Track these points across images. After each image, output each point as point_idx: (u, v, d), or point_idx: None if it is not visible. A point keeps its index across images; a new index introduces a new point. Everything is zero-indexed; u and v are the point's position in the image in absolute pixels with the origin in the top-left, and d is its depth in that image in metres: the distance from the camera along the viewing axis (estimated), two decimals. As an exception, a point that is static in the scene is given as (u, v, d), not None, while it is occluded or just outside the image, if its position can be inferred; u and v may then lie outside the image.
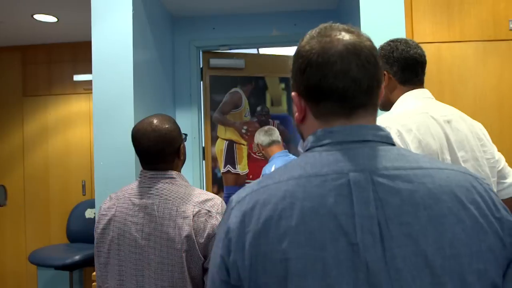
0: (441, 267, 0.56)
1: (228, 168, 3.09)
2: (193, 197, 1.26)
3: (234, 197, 0.69)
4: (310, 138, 0.69)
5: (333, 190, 0.60)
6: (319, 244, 0.58)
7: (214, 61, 3.04)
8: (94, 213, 3.42)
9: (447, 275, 0.56)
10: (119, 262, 1.23)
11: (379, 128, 0.68)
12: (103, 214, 1.29)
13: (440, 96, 2.15)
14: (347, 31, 0.69)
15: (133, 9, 2.12)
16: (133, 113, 2.08)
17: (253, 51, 3.27)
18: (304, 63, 0.68)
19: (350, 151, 0.64)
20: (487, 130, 2.16)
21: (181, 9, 2.88)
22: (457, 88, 2.20)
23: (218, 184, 3.08)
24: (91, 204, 3.48)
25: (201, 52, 3.07)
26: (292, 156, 2.64)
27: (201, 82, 3.06)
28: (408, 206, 0.59)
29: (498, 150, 2.25)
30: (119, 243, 1.23)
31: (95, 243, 1.29)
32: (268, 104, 3.14)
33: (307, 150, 0.69)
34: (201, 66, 3.07)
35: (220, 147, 3.09)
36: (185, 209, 1.22)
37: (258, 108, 3.12)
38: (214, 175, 3.08)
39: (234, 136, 3.08)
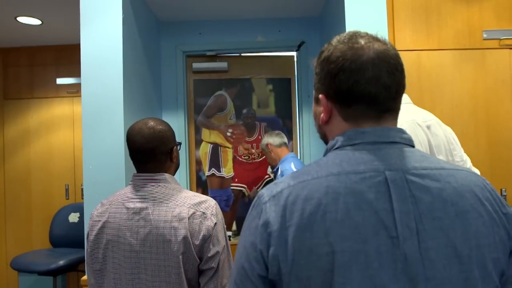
0: (467, 257, 0.62)
1: (213, 171, 3.09)
2: (187, 199, 1.25)
3: (266, 192, 0.70)
4: (339, 138, 0.72)
5: (373, 187, 0.64)
6: (363, 237, 0.61)
7: (196, 65, 3.04)
8: (78, 217, 3.37)
9: (473, 264, 0.62)
10: (113, 267, 1.22)
11: (404, 132, 0.73)
12: (96, 221, 1.27)
13: (420, 101, 2.26)
14: (375, 39, 0.72)
15: (123, 13, 2.12)
16: (123, 117, 2.07)
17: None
18: (336, 68, 0.70)
19: (381, 151, 0.69)
20: (463, 133, 2.28)
21: (168, 14, 2.89)
22: (436, 93, 2.30)
23: (202, 187, 3.09)
24: (75, 208, 3.44)
25: (185, 57, 3.08)
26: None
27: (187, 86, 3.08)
28: (439, 203, 0.64)
29: (473, 152, 2.36)
30: (113, 250, 1.22)
31: (88, 250, 1.27)
32: (254, 106, 3.11)
33: (336, 149, 0.72)
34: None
35: (205, 150, 3.10)
36: (180, 211, 1.21)
37: (244, 111, 3.11)
38: (198, 178, 3.09)
39: (219, 139, 3.09)
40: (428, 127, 1.44)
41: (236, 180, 3.10)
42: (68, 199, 3.57)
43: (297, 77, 3.10)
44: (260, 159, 3.09)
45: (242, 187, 3.10)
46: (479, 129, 2.30)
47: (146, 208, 1.22)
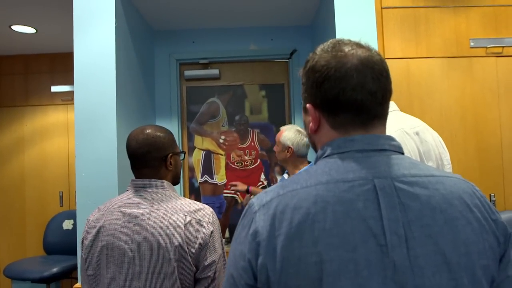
0: (457, 264, 0.62)
1: (206, 178, 3.07)
2: (184, 206, 1.24)
3: (256, 201, 0.70)
4: (328, 146, 0.72)
5: (361, 195, 0.64)
6: (351, 246, 0.61)
7: (188, 73, 3.03)
8: (72, 224, 3.33)
9: (462, 271, 0.62)
10: (107, 273, 1.19)
11: (393, 139, 0.72)
12: (91, 226, 1.25)
13: (410, 108, 2.26)
14: (359, 46, 0.72)
15: (116, 22, 2.11)
16: (116, 124, 2.06)
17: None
18: (321, 77, 0.70)
19: (370, 159, 0.68)
20: (452, 139, 2.29)
21: (162, 22, 2.89)
22: (425, 100, 2.31)
23: (195, 194, 3.06)
24: (69, 215, 3.40)
25: (179, 65, 3.08)
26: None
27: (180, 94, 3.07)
28: (427, 210, 0.64)
29: (462, 157, 2.37)
30: (107, 254, 1.20)
31: (83, 255, 1.25)
32: (247, 112, 3.10)
33: (326, 157, 0.71)
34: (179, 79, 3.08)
35: (197, 157, 3.08)
36: (176, 219, 1.20)
37: (237, 117, 3.09)
38: (191, 185, 3.07)
39: (212, 146, 3.08)
40: (417, 134, 1.43)
41: (229, 186, 3.08)
42: (62, 206, 3.53)
43: (290, 83, 3.09)
44: (253, 166, 3.08)
45: (235, 194, 3.09)
46: (468, 135, 2.31)
47: (143, 213, 1.21)
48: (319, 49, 0.74)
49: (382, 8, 2.30)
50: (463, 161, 2.29)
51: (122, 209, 1.24)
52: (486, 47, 2.33)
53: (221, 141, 3.08)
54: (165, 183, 1.29)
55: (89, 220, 1.28)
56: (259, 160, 3.08)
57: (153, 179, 1.28)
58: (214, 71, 3.04)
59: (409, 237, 0.62)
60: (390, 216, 0.62)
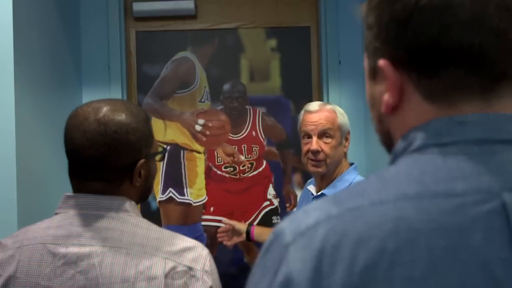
0: None
1: (171, 194, 3.10)
2: (163, 243, 1.26)
3: (287, 226, 0.70)
4: (418, 133, 0.72)
5: (478, 220, 0.62)
6: None
7: (140, 6, 3.05)
8: None
9: None
10: None
11: None
12: None
13: None
14: None
15: None
16: (14, 98, 2.09)
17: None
18: (407, 9, 0.69)
19: (496, 157, 0.67)
20: None
21: None
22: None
23: (154, 220, 3.07)
24: None
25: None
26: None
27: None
28: None
29: None
30: None
31: None
32: (244, 78, 3.16)
33: (414, 151, 0.72)
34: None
35: (157, 156, 3.09)
36: (150, 265, 1.22)
37: (226, 86, 3.15)
38: (145, 205, 3.07)
39: (181, 138, 3.10)
40: None
41: (212, 209, 3.12)
42: None
43: (321, 26, 3.10)
44: (255, 172, 3.10)
45: (221, 221, 3.10)
46: None
47: (89, 255, 1.22)
48: None
49: None
50: None
51: (51, 247, 1.24)
52: None
53: (198, 128, 3.10)
54: (127, 203, 1.30)
55: None
56: (264, 162, 3.13)
57: (108, 196, 1.29)
58: (186, 3, 3.06)
59: None
60: None
